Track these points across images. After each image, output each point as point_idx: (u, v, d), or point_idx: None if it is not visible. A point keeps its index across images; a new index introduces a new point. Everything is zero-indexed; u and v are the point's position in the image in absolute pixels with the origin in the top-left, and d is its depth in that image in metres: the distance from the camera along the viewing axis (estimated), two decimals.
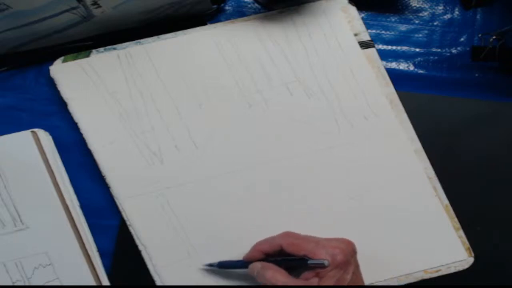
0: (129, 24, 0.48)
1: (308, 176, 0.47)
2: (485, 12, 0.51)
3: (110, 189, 0.47)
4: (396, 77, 0.49)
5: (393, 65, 0.51)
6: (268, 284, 0.40)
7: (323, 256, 0.39)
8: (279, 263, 0.41)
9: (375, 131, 0.48)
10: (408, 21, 0.52)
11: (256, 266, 0.42)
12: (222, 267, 0.45)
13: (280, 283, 0.40)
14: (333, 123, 0.48)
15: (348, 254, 0.40)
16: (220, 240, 0.46)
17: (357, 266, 0.42)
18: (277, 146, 0.47)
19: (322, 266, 0.39)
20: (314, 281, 0.39)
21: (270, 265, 0.41)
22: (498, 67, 0.51)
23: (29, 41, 0.47)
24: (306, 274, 0.40)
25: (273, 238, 0.43)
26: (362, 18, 0.50)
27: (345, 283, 0.40)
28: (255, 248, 0.43)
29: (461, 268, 0.47)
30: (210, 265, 0.46)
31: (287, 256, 0.42)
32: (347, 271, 0.40)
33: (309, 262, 0.39)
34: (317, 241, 0.41)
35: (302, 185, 0.47)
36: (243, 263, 0.44)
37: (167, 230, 0.46)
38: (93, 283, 0.46)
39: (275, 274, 0.40)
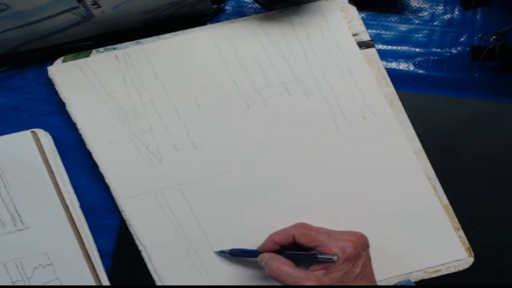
0: (129, 24, 0.48)
1: (307, 176, 0.47)
2: (485, 12, 0.51)
3: (110, 189, 0.47)
4: (396, 77, 0.49)
5: (393, 65, 0.51)
6: (273, 274, 0.41)
7: (333, 248, 0.40)
8: (289, 257, 0.42)
9: (374, 131, 0.48)
10: (408, 21, 0.52)
11: (265, 256, 0.42)
12: (233, 255, 0.45)
13: (284, 273, 0.40)
14: (332, 123, 0.48)
15: (358, 247, 0.41)
16: (220, 240, 0.46)
17: (368, 259, 0.42)
18: (276, 146, 0.47)
19: (331, 261, 0.39)
20: (320, 273, 0.40)
21: (278, 256, 0.42)
22: (498, 67, 0.51)
23: (29, 41, 0.47)
24: (315, 266, 0.41)
25: (286, 228, 0.43)
26: (362, 18, 0.50)
27: (353, 276, 0.40)
28: (269, 238, 0.43)
29: (461, 268, 0.47)
30: (222, 252, 0.46)
31: (300, 248, 0.42)
32: (356, 264, 0.40)
33: (318, 257, 0.40)
34: (328, 233, 0.42)
35: (301, 185, 0.47)
36: (256, 253, 0.44)
37: (167, 230, 0.46)
38: (93, 283, 0.46)
39: (280, 264, 0.41)
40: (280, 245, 0.43)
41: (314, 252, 0.41)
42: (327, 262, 0.40)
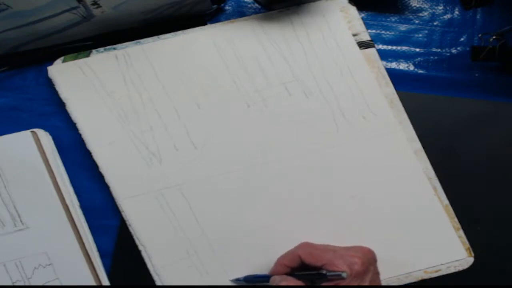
0: (129, 24, 0.48)
1: (307, 175, 0.47)
2: (485, 12, 0.51)
3: (110, 189, 0.47)
4: (396, 77, 0.49)
5: (393, 65, 0.51)
6: None
7: (340, 266, 0.40)
8: (300, 278, 0.42)
9: (374, 131, 0.48)
10: (408, 21, 0.52)
11: (276, 278, 0.43)
12: (248, 282, 0.46)
13: None
14: (332, 123, 0.48)
15: (366, 263, 0.41)
16: (220, 240, 0.46)
17: (376, 274, 0.42)
18: (275, 146, 0.47)
19: (340, 278, 0.39)
20: None
21: (289, 277, 0.42)
22: (498, 67, 0.51)
23: (29, 41, 0.47)
24: (324, 284, 0.41)
25: (292, 250, 0.43)
26: (362, 18, 0.50)
27: None
28: (278, 262, 0.44)
29: (461, 268, 0.47)
30: (237, 279, 0.46)
31: (309, 268, 0.42)
32: (364, 280, 0.40)
33: (328, 275, 0.40)
34: (334, 250, 0.42)
35: (300, 185, 0.47)
36: (269, 277, 0.44)
37: (167, 230, 0.46)
38: (93, 283, 0.46)
39: (290, 284, 0.41)
40: (289, 267, 0.43)
41: (323, 266, 0.41)
42: (336, 280, 0.40)
